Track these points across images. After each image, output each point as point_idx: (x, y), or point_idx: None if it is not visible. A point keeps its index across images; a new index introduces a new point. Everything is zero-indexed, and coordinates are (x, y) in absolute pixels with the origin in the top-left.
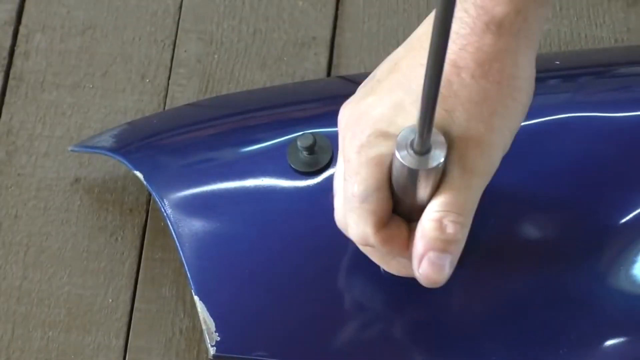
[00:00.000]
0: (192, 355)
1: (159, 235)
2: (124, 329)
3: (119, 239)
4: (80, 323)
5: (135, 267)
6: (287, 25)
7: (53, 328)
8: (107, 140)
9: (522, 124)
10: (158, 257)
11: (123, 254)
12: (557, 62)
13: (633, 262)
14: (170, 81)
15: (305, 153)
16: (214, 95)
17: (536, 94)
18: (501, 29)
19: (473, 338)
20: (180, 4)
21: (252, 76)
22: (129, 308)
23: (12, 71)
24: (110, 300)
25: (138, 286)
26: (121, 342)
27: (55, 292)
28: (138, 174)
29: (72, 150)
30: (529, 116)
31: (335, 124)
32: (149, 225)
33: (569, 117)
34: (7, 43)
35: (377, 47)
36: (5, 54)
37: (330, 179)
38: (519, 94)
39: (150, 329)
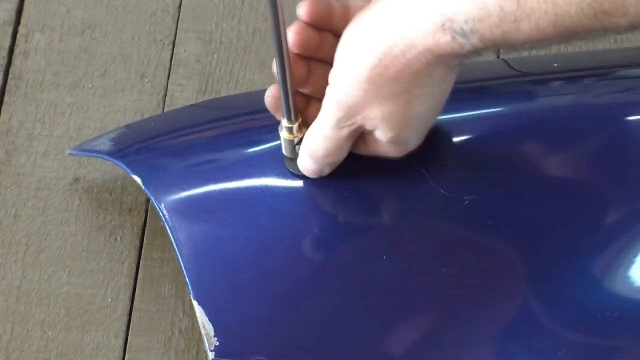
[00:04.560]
0: (191, 354)
1: (158, 235)
2: (123, 328)
3: (118, 238)
4: (79, 322)
5: (134, 266)
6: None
7: (52, 327)
8: (105, 144)
9: (521, 126)
10: (157, 256)
11: (122, 253)
12: (555, 65)
13: (632, 262)
14: (169, 81)
15: None
16: (213, 94)
17: (535, 96)
18: None
19: (471, 343)
20: (179, 4)
21: (252, 76)
22: (128, 307)
23: (11, 70)
24: (109, 300)
25: (137, 286)
26: (120, 341)
27: (54, 291)
28: (136, 178)
29: (70, 154)
30: (527, 119)
31: None
32: (148, 224)
33: (567, 120)
34: (7, 42)
35: None
36: (5, 53)
37: (326, 183)
38: None
39: (150, 328)
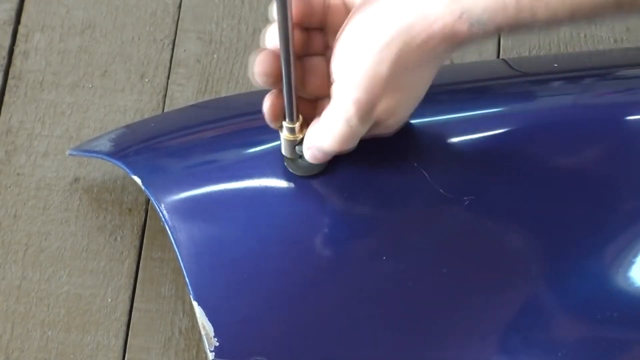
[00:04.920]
0: (191, 354)
1: (158, 235)
2: (123, 328)
3: (118, 238)
4: (79, 322)
5: (134, 266)
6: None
7: (52, 327)
8: (105, 144)
9: (521, 126)
10: (157, 256)
11: (122, 253)
12: (556, 65)
13: (632, 263)
14: (169, 81)
15: (302, 157)
16: (213, 94)
17: (535, 96)
18: None
19: (470, 342)
20: (179, 4)
21: None
22: (128, 307)
23: (11, 70)
24: (109, 300)
25: (137, 286)
26: (120, 341)
27: (54, 291)
28: (136, 178)
29: (70, 154)
30: (527, 119)
31: None
32: (148, 224)
33: (567, 119)
34: (7, 42)
35: None
36: (5, 53)
37: (327, 184)
38: None
39: (150, 328)
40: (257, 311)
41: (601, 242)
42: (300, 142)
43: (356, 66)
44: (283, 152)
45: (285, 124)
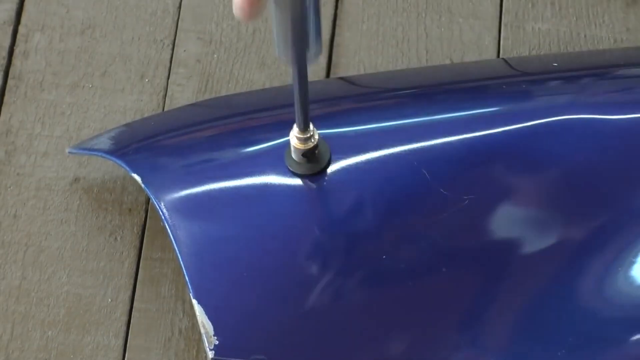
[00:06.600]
0: (191, 354)
1: (158, 235)
2: (123, 328)
3: (118, 238)
4: (79, 322)
5: (134, 266)
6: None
7: (52, 327)
8: (104, 143)
9: (521, 125)
10: (157, 256)
11: (122, 253)
12: (555, 64)
13: (632, 263)
14: (169, 81)
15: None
16: (213, 94)
17: (535, 95)
18: None
19: (471, 341)
20: (179, 4)
21: (252, 76)
22: (128, 307)
23: (11, 71)
24: (109, 300)
25: (137, 286)
26: (120, 341)
27: (54, 291)
28: (136, 176)
29: (70, 153)
30: (527, 118)
31: (334, 126)
32: (148, 224)
33: (566, 119)
34: (7, 43)
35: (376, 47)
36: (5, 53)
37: (327, 183)
38: None
39: (150, 328)
40: (257, 309)
41: (601, 242)
42: (307, 152)
43: None
44: (293, 155)
45: (294, 132)
